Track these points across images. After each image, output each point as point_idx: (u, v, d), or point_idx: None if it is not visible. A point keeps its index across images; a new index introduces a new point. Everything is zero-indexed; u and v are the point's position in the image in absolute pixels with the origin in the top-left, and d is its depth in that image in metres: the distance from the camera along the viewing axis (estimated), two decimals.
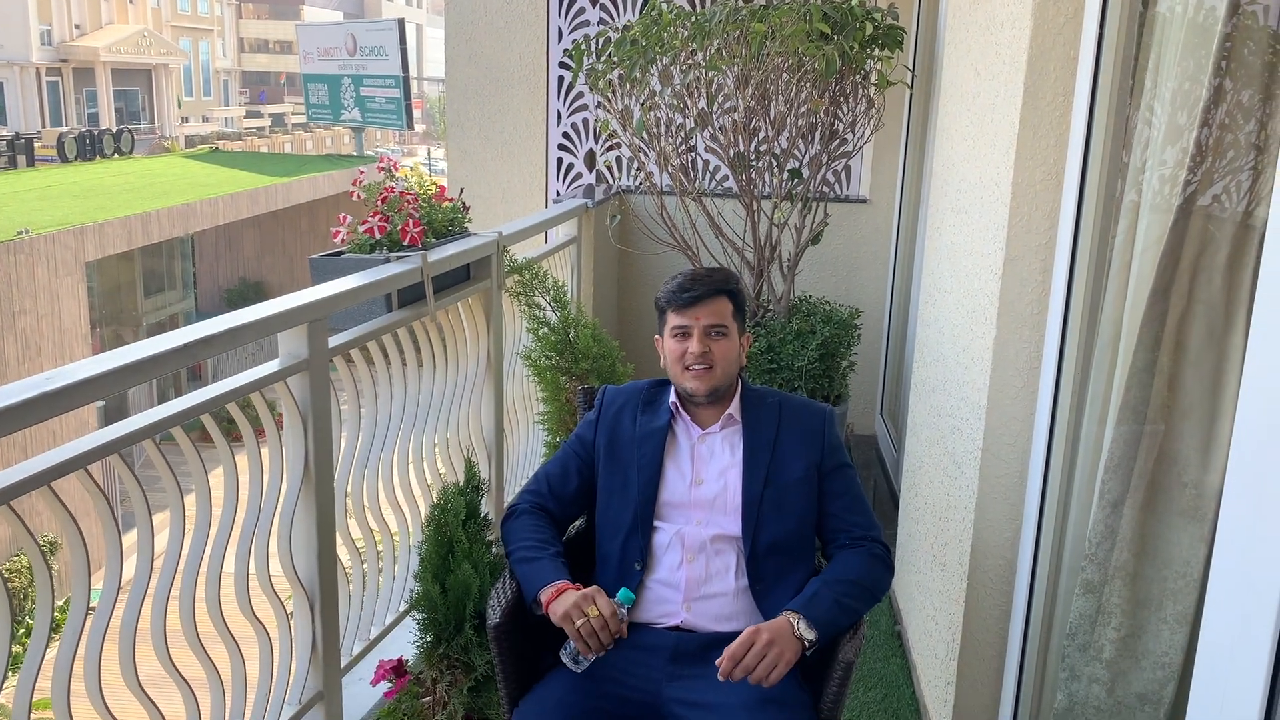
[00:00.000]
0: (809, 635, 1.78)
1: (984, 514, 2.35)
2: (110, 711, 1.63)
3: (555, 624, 1.82)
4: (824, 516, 2.00)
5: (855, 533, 1.97)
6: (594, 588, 1.84)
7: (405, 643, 2.31)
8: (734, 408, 2.04)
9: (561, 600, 1.82)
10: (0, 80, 31.05)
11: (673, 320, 2.02)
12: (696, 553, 1.96)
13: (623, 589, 1.87)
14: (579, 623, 1.78)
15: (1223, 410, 1.75)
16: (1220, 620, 1.35)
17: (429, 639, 2.16)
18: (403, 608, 2.56)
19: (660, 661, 1.88)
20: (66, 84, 32.83)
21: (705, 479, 2.00)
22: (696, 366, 1.98)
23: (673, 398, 2.07)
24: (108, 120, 32.76)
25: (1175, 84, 1.82)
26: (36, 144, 23.05)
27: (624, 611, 1.83)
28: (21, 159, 21.49)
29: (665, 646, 1.90)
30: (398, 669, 2.21)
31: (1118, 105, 2.01)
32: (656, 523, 1.99)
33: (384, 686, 2.22)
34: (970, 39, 2.69)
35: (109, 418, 14.59)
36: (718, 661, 1.73)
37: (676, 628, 1.93)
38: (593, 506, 2.11)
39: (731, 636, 1.92)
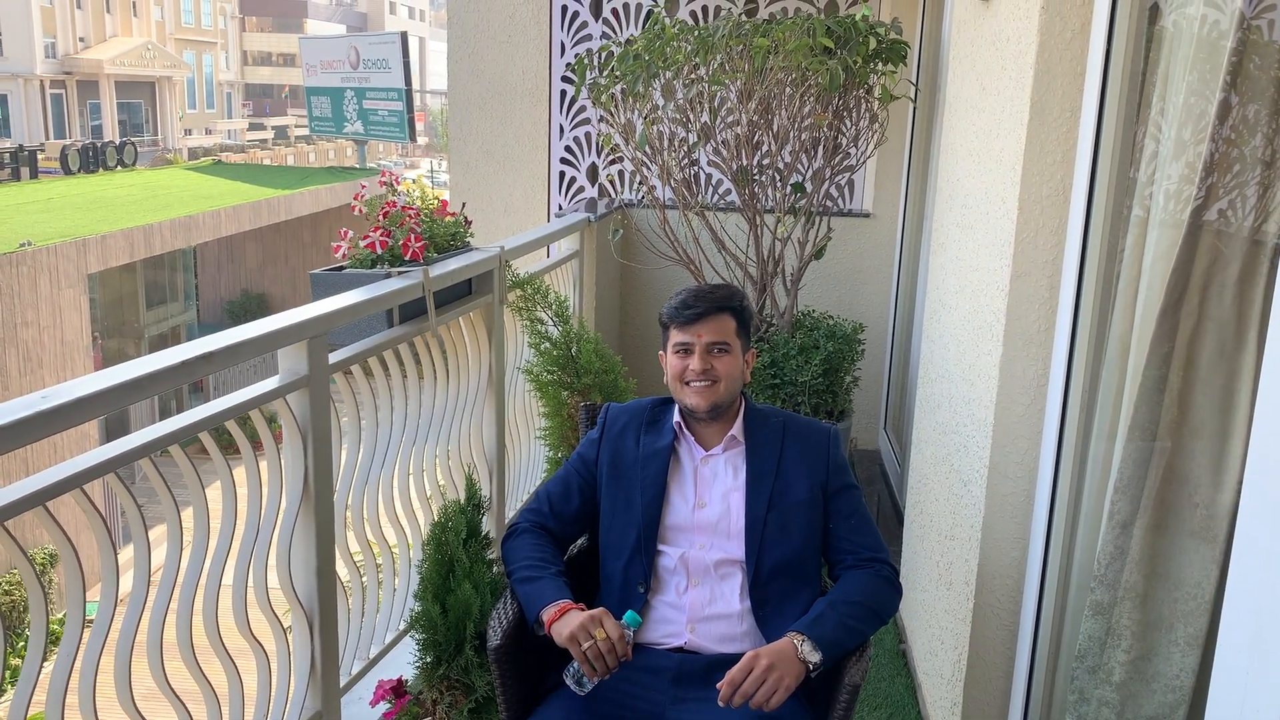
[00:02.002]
0: (813, 658, 1.75)
1: (991, 533, 2.32)
2: None
3: (560, 645, 1.79)
4: (830, 538, 1.98)
5: (863, 554, 1.94)
6: (600, 609, 1.80)
7: (404, 662, 2.29)
8: (737, 429, 2.02)
9: (566, 621, 1.78)
10: (4, 92, 31.17)
11: (675, 337, 2.00)
12: (701, 577, 1.93)
13: (629, 611, 1.84)
14: (585, 645, 1.74)
15: (1234, 429, 1.73)
16: (1236, 643, 1.33)
17: (429, 659, 2.14)
18: (402, 626, 2.53)
19: (664, 684, 1.85)
20: (70, 96, 32.94)
21: (708, 502, 1.98)
22: (698, 383, 1.96)
23: (676, 417, 2.04)
24: (111, 132, 32.86)
25: (1183, 99, 1.81)
26: (40, 156, 23.10)
27: (630, 634, 1.80)
28: (25, 171, 21.53)
29: (669, 668, 1.87)
30: (397, 689, 2.18)
31: (1125, 120, 2.00)
32: (660, 546, 1.97)
33: (383, 707, 2.19)
34: (975, 54, 2.68)
35: (110, 429, 14.58)
36: (719, 685, 1.71)
37: (680, 649, 1.91)
38: (594, 526, 2.09)
39: (736, 658, 1.89)
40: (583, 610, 1.80)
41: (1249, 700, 1.28)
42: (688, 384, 1.97)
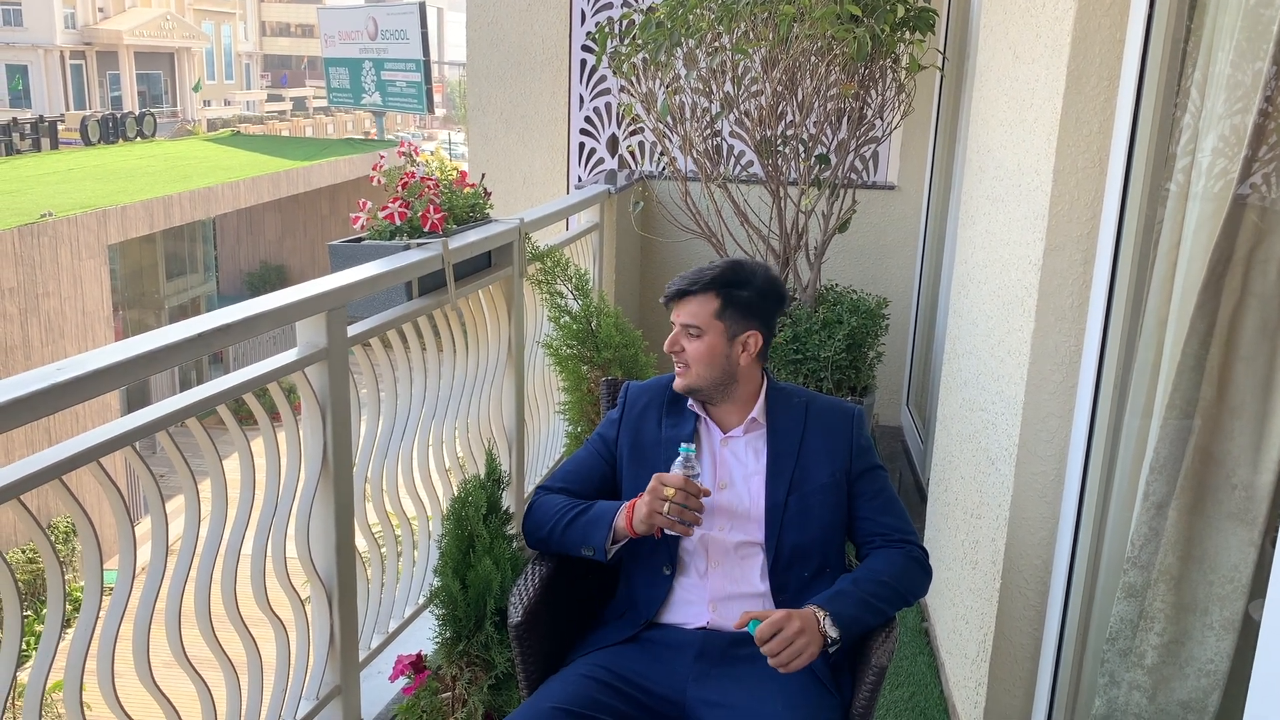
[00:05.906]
0: (832, 633, 1.72)
1: (1019, 512, 2.28)
2: (121, 704, 1.60)
3: (647, 532, 1.82)
4: (856, 520, 1.94)
5: (893, 536, 1.91)
6: (651, 479, 1.82)
7: (424, 638, 2.27)
8: (758, 410, 1.97)
9: (636, 512, 1.82)
10: (25, 63, 31.26)
11: (671, 315, 1.98)
12: (721, 558, 1.90)
13: (682, 445, 1.83)
14: (665, 510, 1.77)
15: (1275, 409, 1.68)
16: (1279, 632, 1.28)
17: (449, 635, 2.12)
18: (421, 601, 2.52)
19: (685, 660, 1.83)
20: (90, 67, 33.01)
21: (728, 484, 1.95)
22: (678, 364, 1.94)
23: (692, 399, 2.01)
24: (130, 103, 32.90)
25: (1228, 68, 1.74)
26: (60, 127, 23.14)
27: (695, 467, 1.80)
28: (45, 141, 21.58)
29: (691, 645, 1.85)
30: (416, 664, 2.17)
31: (1166, 90, 1.93)
32: None
33: (402, 682, 2.18)
34: (1008, 21, 2.60)
35: (131, 398, 14.68)
36: (749, 619, 1.71)
37: (703, 628, 1.88)
38: None
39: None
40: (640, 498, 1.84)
41: None
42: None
